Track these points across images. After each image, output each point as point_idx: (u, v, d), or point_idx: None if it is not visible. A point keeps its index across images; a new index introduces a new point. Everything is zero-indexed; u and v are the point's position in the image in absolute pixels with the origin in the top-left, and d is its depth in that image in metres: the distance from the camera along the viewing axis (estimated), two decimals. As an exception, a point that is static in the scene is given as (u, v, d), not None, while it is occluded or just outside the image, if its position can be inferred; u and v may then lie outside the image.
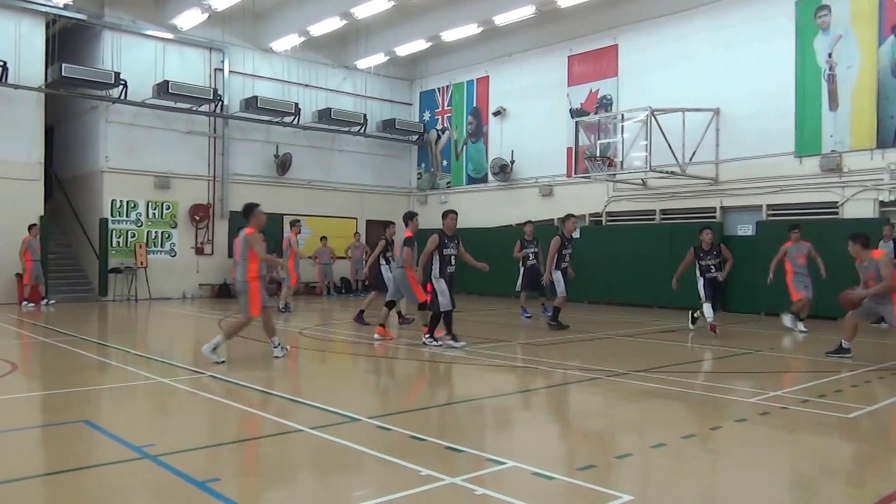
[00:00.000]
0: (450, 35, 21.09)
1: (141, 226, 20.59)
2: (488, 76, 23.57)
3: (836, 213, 15.77)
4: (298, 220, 17.86)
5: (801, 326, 13.02)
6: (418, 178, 26.14)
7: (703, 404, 7.36)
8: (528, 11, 18.92)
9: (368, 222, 25.12)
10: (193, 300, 20.66)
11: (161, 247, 20.94)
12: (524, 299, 15.62)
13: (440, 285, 10.78)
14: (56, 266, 19.73)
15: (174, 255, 21.15)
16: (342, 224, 24.05)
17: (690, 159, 17.34)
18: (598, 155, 18.13)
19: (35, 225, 17.96)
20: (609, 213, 20.07)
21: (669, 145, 16.71)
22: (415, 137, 25.63)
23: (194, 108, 20.98)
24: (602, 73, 20.29)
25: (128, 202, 20.33)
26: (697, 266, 12.48)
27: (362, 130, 24.16)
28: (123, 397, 7.72)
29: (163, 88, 19.63)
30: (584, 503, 4.47)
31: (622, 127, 17.65)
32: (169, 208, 21.07)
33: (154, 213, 20.83)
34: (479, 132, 23.93)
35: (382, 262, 14.11)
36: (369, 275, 14.37)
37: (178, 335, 13.93)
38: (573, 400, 7.85)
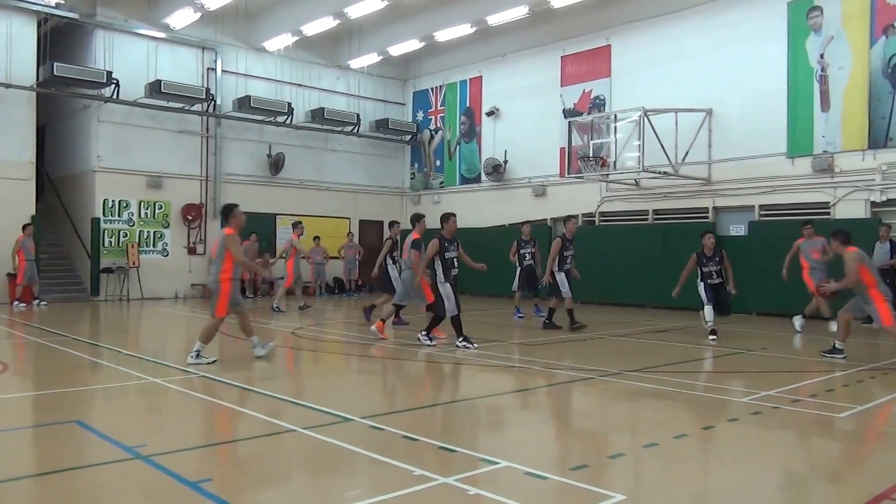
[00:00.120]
0: (443, 35, 21.09)
1: (133, 225, 20.53)
2: (481, 76, 23.58)
3: (828, 214, 15.83)
4: (300, 222, 17.89)
5: (797, 324, 13.09)
6: (411, 178, 26.13)
7: (696, 404, 7.38)
8: (521, 12, 18.93)
9: (361, 222, 25.12)
10: (185, 300, 20.61)
11: (153, 247, 20.88)
12: (518, 299, 15.63)
13: (445, 290, 10.76)
14: (47, 266, 19.65)
15: (166, 255, 21.09)
16: (335, 224, 24.02)
17: (683, 160, 17.39)
18: (591, 155, 18.15)
19: (29, 225, 17.90)
20: (602, 214, 20.11)
21: (662, 146, 16.75)
22: (408, 137, 25.62)
23: (187, 108, 20.91)
24: (595, 74, 20.33)
25: (120, 202, 20.26)
26: (699, 272, 12.21)
27: (355, 130, 24.14)
28: (115, 397, 7.70)
29: (155, 88, 19.56)
30: (577, 503, 4.47)
31: (615, 127, 17.67)
32: (161, 208, 21.01)
33: (146, 213, 20.76)
34: (472, 132, 23.93)
35: (389, 261, 14.05)
36: (379, 276, 14.28)
37: (170, 335, 13.89)
38: (566, 400, 7.86)
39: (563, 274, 13.25)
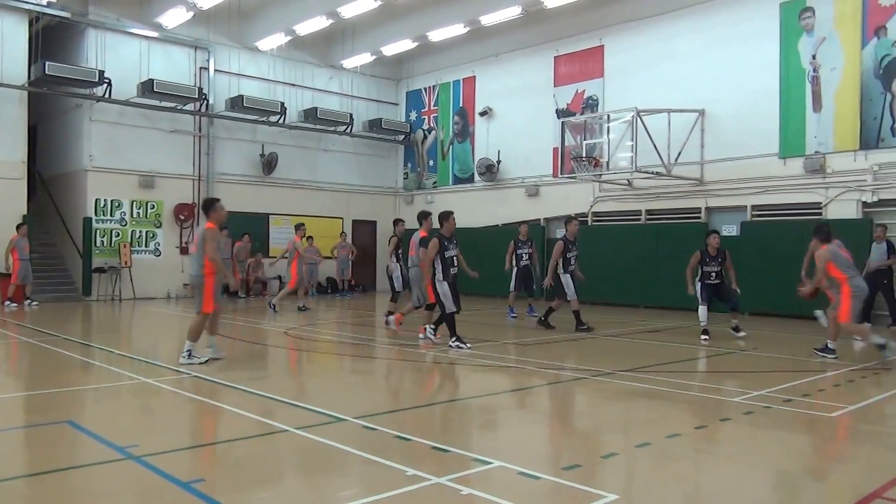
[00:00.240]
0: (436, 35, 21.09)
1: (125, 225, 20.46)
2: (475, 76, 23.58)
3: (820, 214, 15.87)
4: (303, 224, 17.91)
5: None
6: (404, 178, 26.11)
7: (688, 404, 7.40)
8: (514, 12, 18.95)
9: (354, 222, 25.09)
10: (178, 300, 20.54)
11: (145, 246, 20.81)
12: (512, 299, 15.65)
13: (443, 288, 10.77)
14: (39, 266, 19.52)
15: (159, 255, 21.02)
16: (328, 224, 23.98)
17: (676, 160, 17.41)
18: (584, 155, 18.17)
19: (24, 224, 17.84)
20: (595, 214, 20.13)
21: (655, 146, 16.77)
22: (401, 137, 25.60)
23: (179, 107, 20.85)
24: (588, 74, 20.35)
25: (112, 201, 20.19)
26: (699, 271, 12.16)
27: (348, 130, 24.11)
28: (107, 398, 7.67)
29: (147, 87, 19.49)
30: (570, 503, 4.48)
31: (608, 127, 17.69)
32: (153, 208, 20.95)
33: (138, 213, 20.70)
34: (465, 132, 23.93)
35: (393, 259, 14.09)
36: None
37: (162, 335, 13.83)
38: (559, 400, 7.87)
39: (567, 276, 13.27)
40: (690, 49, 18.07)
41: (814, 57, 16.03)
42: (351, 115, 23.95)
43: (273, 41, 21.68)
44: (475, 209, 22.89)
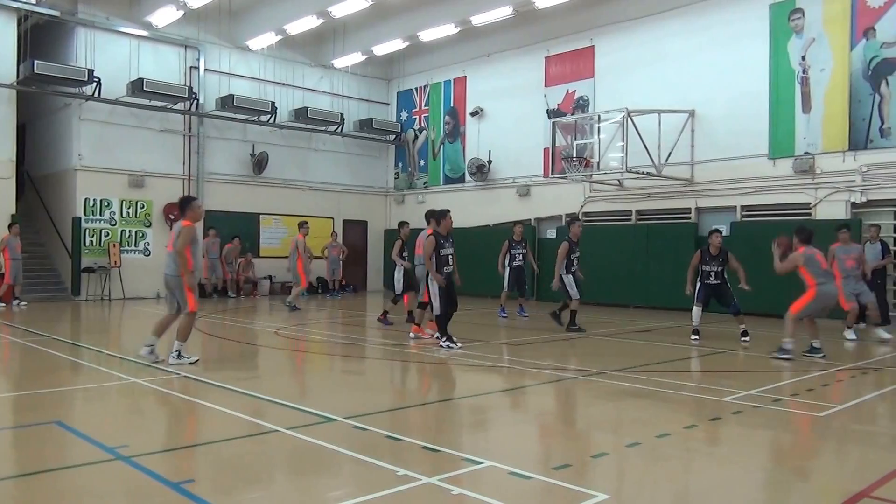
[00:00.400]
0: (427, 35, 21.08)
1: (114, 225, 20.36)
2: (466, 76, 23.58)
3: (809, 215, 15.96)
4: (306, 222, 17.92)
5: (850, 334, 12.08)
6: (395, 178, 26.09)
7: (678, 403, 7.42)
8: (505, 12, 18.96)
9: (345, 222, 25.05)
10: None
11: (135, 246, 20.72)
12: (504, 299, 15.66)
13: (434, 288, 10.74)
14: (28, 266, 19.37)
15: (148, 255, 20.91)
16: (319, 224, 23.90)
17: (666, 160, 17.47)
18: (574, 155, 18.22)
19: (15, 223, 17.73)
20: (585, 214, 20.15)
21: (645, 146, 16.83)
22: (392, 137, 25.58)
23: (169, 107, 20.76)
24: (579, 74, 20.39)
25: (101, 201, 20.10)
26: (699, 271, 12.05)
27: (339, 130, 24.07)
28: (96, 398, 7.63)
29: (137, 86, 19.41)
30: (561, 502, 4.48)
31: (598, 128, 17.76)
32: (143, 207, 20.85)
33: (128, 212, 20.60)
34: (456, 132, 23.93)
35: (399, 259, 14.07)
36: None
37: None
38: (550, 399, 7.88)
39: (570, 276, 13.35)
40: (681, 50, 18.12)
41: (803, 58, 16.11)
42: (342, 114, 23.91)
43: (264, 40, 21.62)
44: (466, 209, 22.84)
